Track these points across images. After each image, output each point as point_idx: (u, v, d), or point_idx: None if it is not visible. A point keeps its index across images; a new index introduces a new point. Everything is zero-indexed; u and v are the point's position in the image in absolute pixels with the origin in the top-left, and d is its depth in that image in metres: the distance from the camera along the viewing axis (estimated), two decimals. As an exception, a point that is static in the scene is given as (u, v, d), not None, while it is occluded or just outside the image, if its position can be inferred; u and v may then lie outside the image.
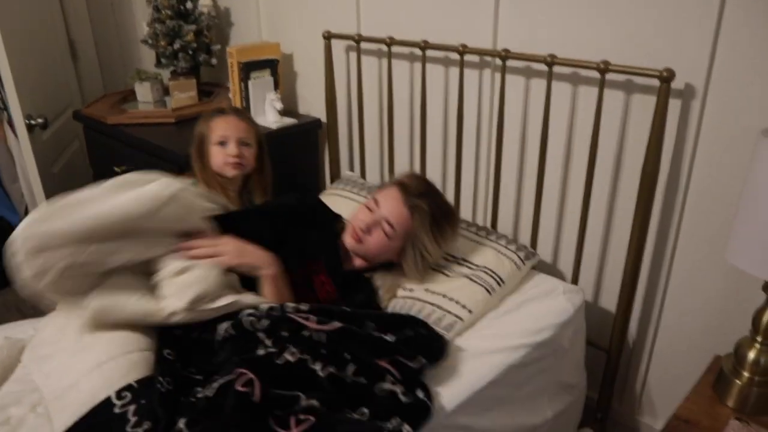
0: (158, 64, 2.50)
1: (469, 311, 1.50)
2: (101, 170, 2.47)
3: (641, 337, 1.69)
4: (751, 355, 1.31)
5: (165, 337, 1.25)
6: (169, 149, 2.03)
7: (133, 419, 1.04)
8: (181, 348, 1.25)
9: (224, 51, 2.57)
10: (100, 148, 2.41)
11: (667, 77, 1.36)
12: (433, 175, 2.01)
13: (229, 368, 1.14)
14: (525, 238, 1.83)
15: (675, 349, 1.64)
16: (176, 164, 2.00)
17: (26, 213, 3.13)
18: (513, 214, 1.86)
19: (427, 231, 1.53)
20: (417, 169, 2.03)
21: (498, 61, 1.71)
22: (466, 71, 1.79)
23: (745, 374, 1.33)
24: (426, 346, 1.29)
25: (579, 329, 1.59)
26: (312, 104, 2.34)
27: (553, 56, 1.53)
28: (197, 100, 2.41)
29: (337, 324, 1.22)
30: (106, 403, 1.07)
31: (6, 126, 2.48)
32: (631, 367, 1.74)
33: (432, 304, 1.52)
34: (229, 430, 1.05)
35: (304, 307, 1.28)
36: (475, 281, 1.57)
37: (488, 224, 1.88)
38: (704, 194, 1.47)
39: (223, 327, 1.24)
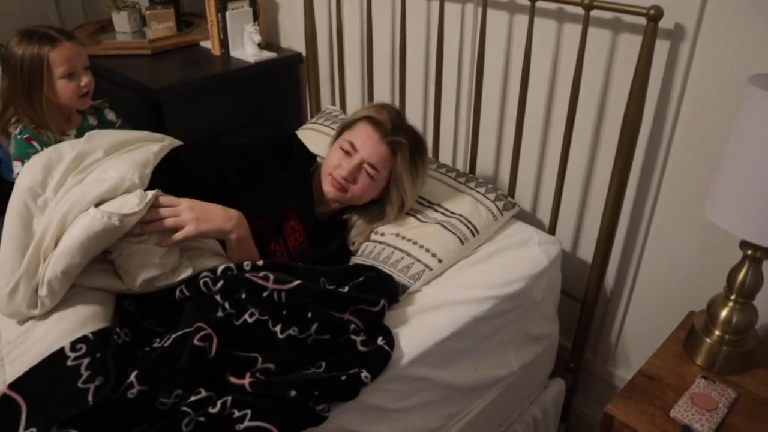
0: (135, -9, 2.39)
1: (439, 260, 1.46)
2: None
3: (618, 289, 1.64)
4: (724, 313, 1.27)
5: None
6: (143, 83, 1.95)
7: (85, 374, 1.01)
8: (141, 299, 1.22)
9: (205, -22, 2.44)
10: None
11: (654, 15, 1.25)
12: (413, 114, 1.93)
13: (189, 322, 1.11)
14: (504, 183, 1.76)
15: (651, 302, 1.59)
16: (151, 100, 1.93)
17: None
18: (493, 159, 1.79)
19: (407, 167, 1.48)
20: (397, 105, 1.95)
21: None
22: (448, 4, 1.68)
23: (716, 332, 1.29)
24: (380, 287, 1.27)
25: (553, 281, 1.55)
26: (294, 37, 2.23)
27: (536, -12, 1.42)
28: (176, 31, 2.31)
29: (294, 282, 1.17)
30: (60, 354, 1.04)
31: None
32: (606, 319, 1.70)
33: (401, 251, 1.48)
34: (180, 381, 1.03)
35: (261, 263, 1.24)
36: (448, 229, 1.52)
37: (467, 168, 1.81)
38: (689, 145, 1.38)
39: (179, 288, 1.20)
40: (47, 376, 1.01)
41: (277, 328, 1.14)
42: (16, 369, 1.03)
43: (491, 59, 1.64)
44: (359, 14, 1.96)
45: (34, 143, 1.65)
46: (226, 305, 1.16)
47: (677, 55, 1.33)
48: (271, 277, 1.17)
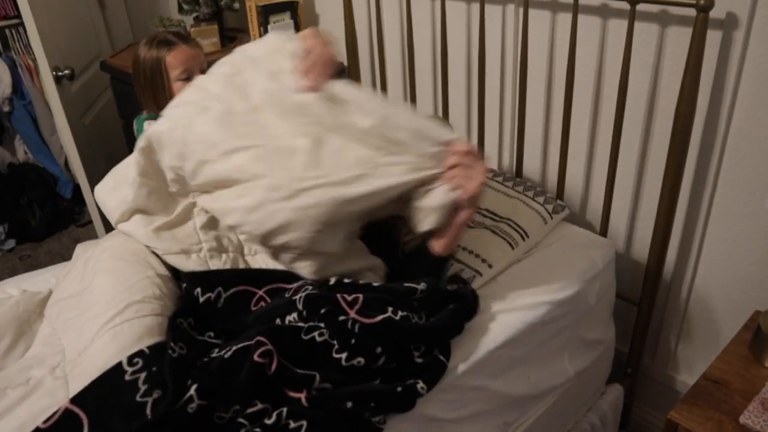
0: (180, 10, 2.44)
1: (489, 265, 1.44)
2: (130, 120, 2.47)
3: (675, 290, 1.59)
4: (792, 313, 1.21)
5: (184, 306, 1.24)
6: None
7: (143, 387, 1.03)
8: (198, 316, 1.24)
9: (246, -6, 2.49)
10: (127, 98, 2.39)
11: (704, 6, 1.21)
12: (457, 119, 1.92)
13: (251, 334, 1.12)
14: (552, 185, 1.73)
15: (712, 303, 1.53)
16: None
17: (66, 164, 3.22)
18: (539, 162, 1.76)
19: None
20: (440, 113, 1.94)
21: (523, -5, 1.58)
22: (489, 7, 1.66)
23: (785, 333, 1.23)
24: (462, 314, 1.24)
25: (608, 284, 1.51)
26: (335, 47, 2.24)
27: (579, -15, 1.39)
28: (220, 47, 2.36)
29: (378, 317, 1.15)
30: (117, 369, 1.06)
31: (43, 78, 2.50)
32: (664, 321, 1.64)
33: (450, 256, 1.46)
34: (239, 397, 1.04)
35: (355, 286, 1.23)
36: (498, 234, 1.50)
37: (513, 172, 1.78)
38: (746, 136, 1.33)
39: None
40: (106, 391, 1.03)
41: (343, 355, 1.12)
42: (76, 385, 1.06)
43: (534, 59, 1.62)
44: (399, 20, 1.96)
45: None
46: (304, 313, 1.17)
47: (730, 45, 1.28)
48: (359, 304, 1.16)
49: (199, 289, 1.26)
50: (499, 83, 1.75)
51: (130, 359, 1.07)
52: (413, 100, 1.97)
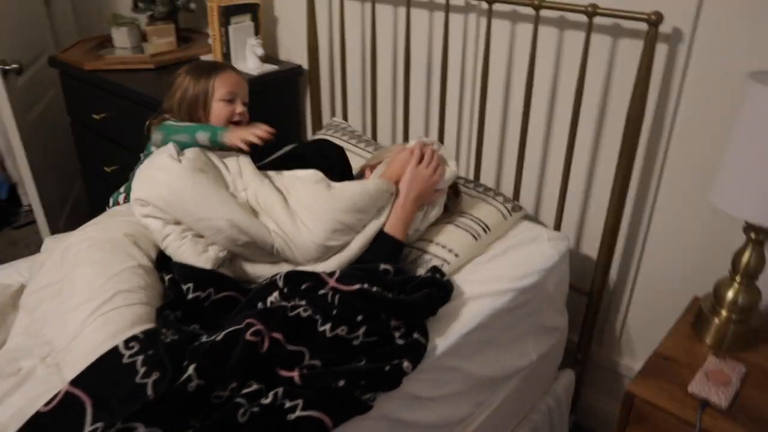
0: (135, 8, 2.42)
1: (456, 255, 1.52)
2: (79, 118, 2.42)
3: (621, 281, 1.73)
4: (730, 294, 1.36)
5: (174, 298, 1.27)
6: (150, 95, 1.98)
7: (141, 369, 1.04)
8: (184, 307, 1.27)
9: (202, -5, 2.50)
10: (77, 95, 2.34)
11: (655, 21, 1.35)
12: (417, 124, 2.00)
13: (239, 319, 1.15)
14: (507, 188, 1.84)
15: (654, 291, 1.68)
16: (156, 110, 1.96)
17: (1, 164, 3.08)
18: (495, 166, 1.87)
19: None
20: (400, 117, 2.02)
21: (484, 5, 1.69)
22: (451, 15, 1.76)
23: (723, 313, 1.38)
24: (436, 298, 1.32)
25: (563, 274, 1.63)
26: (293, 50, 2.29)
27: (540, -1, 1.51)
28: (176, 46, 2.35)
29: (355, 285, 1.23)
30: (114, 352, 1.07)
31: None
32: (611, 310, 1.78)
33: (419, 249, 1.55)
34: (234, 375, 1.07)
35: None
36: (460, 227, 1.59)
37: (472, 176, 1.88)
38: (688, 139, 1.48)
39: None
40: (105, 374, 1.03)
41: (327, 327, 1.18)
42: (70, 370, 1.06)
43: (494, 69, 1.73)
44: (360, 26, 2.03)
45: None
46: (285, 290, 1.23)
47: (675, 56, 1.43)
48: (336, 275, 1.24)
49: (191, 285, 1.29)
50: (459, 89, 1.86)
51: (126, 343, 1.08)
52: (373, 105, 2.04)
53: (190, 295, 1.28)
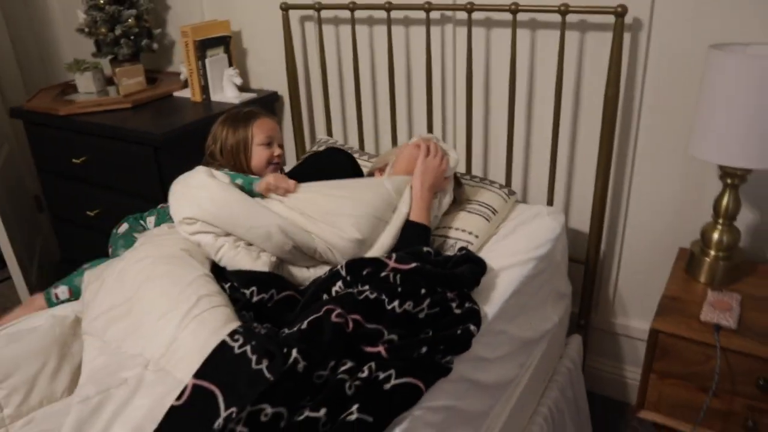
0: (98, 52, 2.43)
1: (476, 236, 1.67)
2: (50, 167, 2.37)
3: (610, 246, 1.94)
4: (716, 236, 1.59)
5: (246, 302, 1.34)
6: (135, 129, 2.01)
7: (253, 357, 1.10)
8: (256, 309, 1.34)
9: (163, 35, 2.55)
10: (49, 143, 2.31)
11: (621, 12, 1.59)
12: (402, 134, 2.16)
13: (315, 308, 1.23)
14: (498, 176, 2.02)
15: (641, 251, 1.90)
16: (150, 145, 1.99)
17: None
18: (482, 156, 2.05)
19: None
20: (387, 128, 2.16)
21: (458, 15, 1.88)
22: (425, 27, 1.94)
23: (712, 253, 1.60)
24: (476, 270, 1.44)
25: (565, 244, 1.81)
26: (264, 78, 2.39)
27: (516, 4, 1.72)
28: (145, 86, 2.38)
29: (412, 264, 1.34)
30: (224, 345, 1.12)
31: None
32: (603, 275, 1.99)
33: (441, 236, 1.68)
34: (330, 355, 1.15)
35: None
36: (473, 212, 1.74)
37: (463, 168, 2.05)
38: (655, 109, 1.72)
39: None
40: (223, 365, 1.08)
41: (395, 304, 1.28)
42: (182, 369, 1.09)
43: (476, 71, 1.92)
44: (335, 49, 2.17)
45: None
46: (348, 278, 1.32)
47: (638, 41, 1.68)
48: (393, 256, 1.35)
49: (254, 288, 1.36)
50: (441, 93, 2.03)
51: (231, 336, 1.13)
52: (359, 118, 2.17)
53: (255, 298, 1.35)
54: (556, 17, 1.71)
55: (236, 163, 1.71)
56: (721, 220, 1.58)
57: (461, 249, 1.57)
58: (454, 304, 1.36)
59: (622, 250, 1.93)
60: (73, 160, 2.20)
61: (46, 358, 1.24)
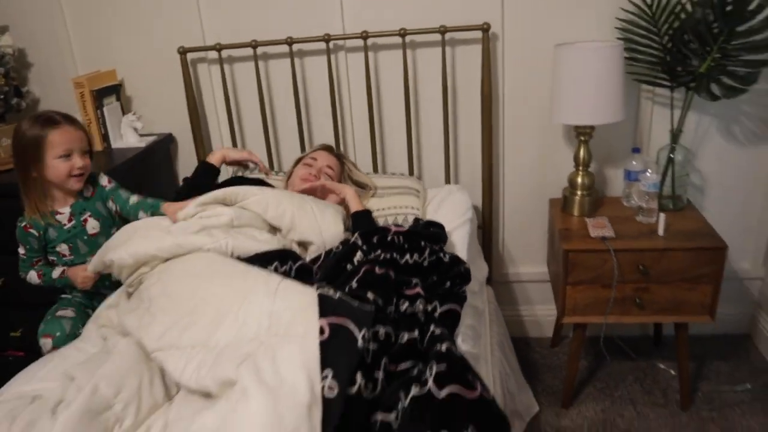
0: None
1: (417, 209, 2.07)
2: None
3: (495, 212, 2.46)
4: (579, 180, 2.18)
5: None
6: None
7: (347, 299, 1.30)
8: None
9: (27, 93, 2.47)
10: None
11: (486, 28, 2.12)
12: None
13: (355, 270, 1.48)
14: (401, 169, 2.42)
15: (519, 209, 2.45)
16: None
17: None
18: (382, 154, 2.44)
19: (350, 168, 2.17)
20: (296, 147, 2.43)
21: (349, 44, 2.26)
22: (321, 58, 2.28)
23: (579, 192, 2.19)
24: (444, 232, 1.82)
25: (473, 211, 2.27)
26: (155, 122, 2.47)
27: (404, 29, 2.16)
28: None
29: (406, 227, 1.69)
30: (323, 294, 1.30)
31: None
32: (493, 237, 2.49)
33: (392, 214, 2.04)
34: (392, 295, 1.42)
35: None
36: (404, 193, 2.13)
37: (375, 165, 2.41)
38: (514, 98, 2.30)
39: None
40: (335, 304, 1.27)
41: (406, 257, 1.59)
42: (298, 325, 1.23)
43: (372, 89, 2.30)
44: (220, 87, 2.38)
45: (32, 231, 1.82)
46: (364, 247, 1.60)
47: (496, 49, 2.23)
48: (392, 225, 1.68)
49: (276, 264, 1.56)
50: (349, 109, 2.38)
51: (319, 288, 1.32)
52: (270, 142, 2.40)
53: (280, 270, 1.55)
54: (434, 36, 2.20)
55: (24, 172, 1.75)
56: (581, 168, 2.18)
57: (416, 219, 1.93)
58: (442, 254, 1.71)
59: (504, 212, 2.47)
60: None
61: (140, 373, 1.28)
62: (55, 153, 1.71)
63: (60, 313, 1.84)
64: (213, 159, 2.07)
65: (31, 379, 1.47)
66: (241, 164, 2.17)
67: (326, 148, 2.19)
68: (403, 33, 2.16)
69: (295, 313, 1.29)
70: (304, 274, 1.59)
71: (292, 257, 1.61)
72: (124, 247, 1.62)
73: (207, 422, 1.11)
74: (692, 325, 2.30)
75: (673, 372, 2.35)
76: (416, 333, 1.33)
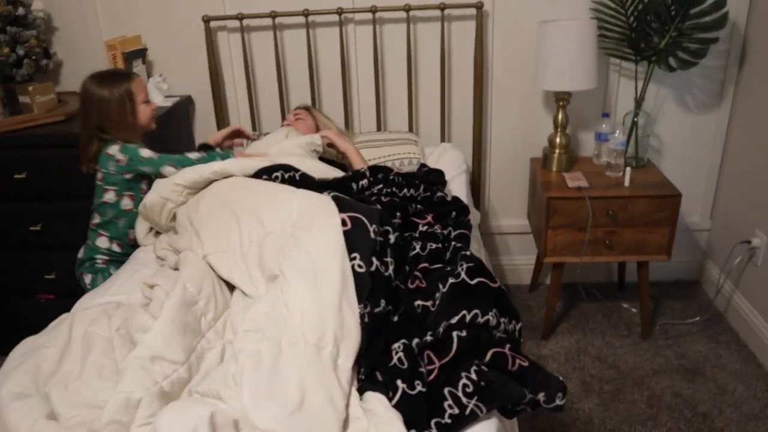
0: None
1: (418, 155, 2.37)
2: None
3: (483, 169, 2.77)
4: (557, 140, 2.52)
5: None
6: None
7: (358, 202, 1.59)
8: None
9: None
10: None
11: (480, 6, 2.43)
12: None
13: (360, 190, 1.81)
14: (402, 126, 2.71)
15: (503, 168, 2.77)
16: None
17: None
18: (387, 114, 2.72)
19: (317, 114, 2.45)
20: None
21: (358, 17, 2.53)
22: (332, 29, 2.55)
23: (557, 151, 2.53)
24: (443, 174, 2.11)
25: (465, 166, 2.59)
26: (175, 85, 2.68)
27: (408, 5, 2.44)
28: (57, 103, 2.47)
29: (404, 171, 2.00)
30: (337, 197, 1.61)
31: None
32: (480, 193, 2.81)
33: (395, 159, 2.33)
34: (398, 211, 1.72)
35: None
36: (403, 143, 2.43)
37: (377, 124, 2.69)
38: (501, 69, 2.61)
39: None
40: (350, 205, 1.54)
41: (404, 191, 1.90)
42: (320, 218, 1.51)
43: (378, 59, 2.58)
44: (240, 56, 2.62)
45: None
46: (371, 179, 1.92)
47: (487, 26, 2.54)
48: (395, 167, 1.99)
49: (281, 171, 1.87)
50: (356, 76, 2.65)
51: (335, 193, 1.66)
52: (283, 108, 2.65)
53: (286, 176, 1.86)
54: (434, 12, 2.49)
55: (121, 122, 1.95)
56: (559, 130, 2.52)
57: (421, 165, 2.23)
58: (441, 193, 2.00)
59: (490, 170, 2.78)
60: (16, 176, 2.23)
61: (211, 276, 1.53)
62: (140, 99, 1.97)
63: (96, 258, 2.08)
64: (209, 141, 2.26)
65: (105, 294, 1.71)
66: (233, 141, 2.31)
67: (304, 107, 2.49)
68: (407, 8, 2.44)
69: (317, 211, 1.55)
70: (306, 181, 1.86)
71: (293, 168, 1.88)
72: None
73: (261, 309, 1.34)
74: (651, 272, 2.68)
75: (634, 310, 2.71)
76: (439, 244, 1.63)
